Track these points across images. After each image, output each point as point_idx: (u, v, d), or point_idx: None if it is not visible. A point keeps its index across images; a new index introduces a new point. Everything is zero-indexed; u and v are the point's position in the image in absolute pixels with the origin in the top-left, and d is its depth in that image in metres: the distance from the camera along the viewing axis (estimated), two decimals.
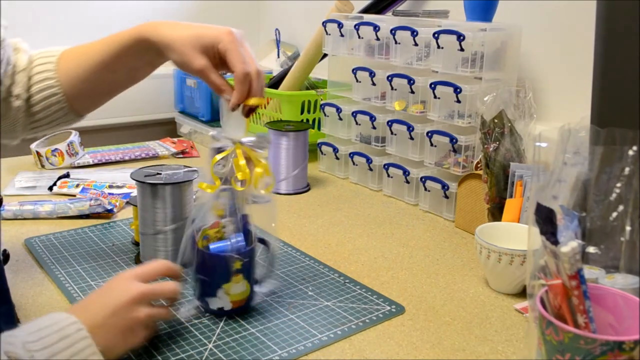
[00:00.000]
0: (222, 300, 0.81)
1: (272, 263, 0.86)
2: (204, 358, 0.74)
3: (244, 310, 0.83)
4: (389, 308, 0.86)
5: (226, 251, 0.80)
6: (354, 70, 1.37)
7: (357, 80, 1.38)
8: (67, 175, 1.35)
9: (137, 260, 0.98)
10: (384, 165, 1.32)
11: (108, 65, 0.87)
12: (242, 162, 0.80)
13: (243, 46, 0.81)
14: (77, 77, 0.88)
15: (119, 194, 1.26)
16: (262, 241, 0.86)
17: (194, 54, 0.80)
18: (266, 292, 0.87)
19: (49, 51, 0.92)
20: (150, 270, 0.75)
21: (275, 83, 1.65)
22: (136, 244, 1.04)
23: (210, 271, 0.81)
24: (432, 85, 1.19)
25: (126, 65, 0.88)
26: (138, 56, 0.86)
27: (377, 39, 1.31)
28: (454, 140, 1.17)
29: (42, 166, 1.46)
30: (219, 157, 0.81)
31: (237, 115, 0.82)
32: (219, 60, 0.82)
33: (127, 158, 1.54)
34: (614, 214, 0.69)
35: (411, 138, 1.26)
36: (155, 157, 1.58)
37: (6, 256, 0.83)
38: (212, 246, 0.81)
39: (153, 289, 0.73)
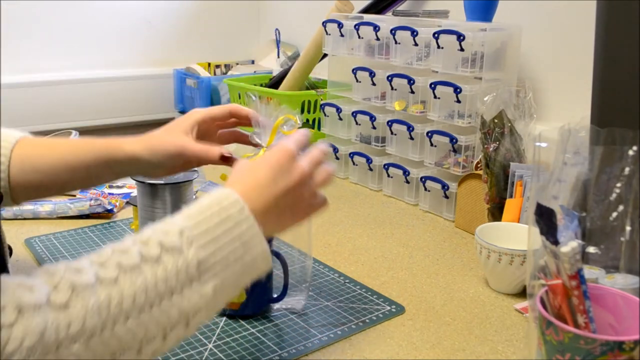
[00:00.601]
0: None
1: (286, 279, 0.84)
2: (204, 358, 0.74)
3: (240, 315, 0.83)
4: (389, 308, 0.86)
5: None
6: (354, 70, 1.37)
7: (357, 80, 1.38)
8: None
9: None
10: (384, 165, 1.32)
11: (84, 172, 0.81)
12: None
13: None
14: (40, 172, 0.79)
15: (119, 194, 1.26)
16: (276, 255, 0.83)
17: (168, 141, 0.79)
18: (285, 307, 0.85)
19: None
20: (303, 141, 0.69)
21: (275, 83, 1.65)
22: None
23: None
24: (432, 85, 1.19)
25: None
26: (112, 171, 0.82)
27: (377, 39, 1.31)
28: (454, 140, 1.17)
29: None
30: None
31: (265, 121, 0.81)
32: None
33: None
34: (614, 214, 0.69)
35: (411, 138, 1.26)
36: None
37: (10, 250, 0.82)
38: None
39: (316, 161, 0.68)
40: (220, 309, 0.60)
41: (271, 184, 0.64)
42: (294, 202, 0.66)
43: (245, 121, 0.83)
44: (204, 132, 0.82)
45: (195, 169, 0.98)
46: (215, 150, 0.78)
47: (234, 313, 0.82)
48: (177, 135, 0.79)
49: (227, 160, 0.79)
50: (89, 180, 0.81)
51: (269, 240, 0.82)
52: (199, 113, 0.82)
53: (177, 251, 0.56)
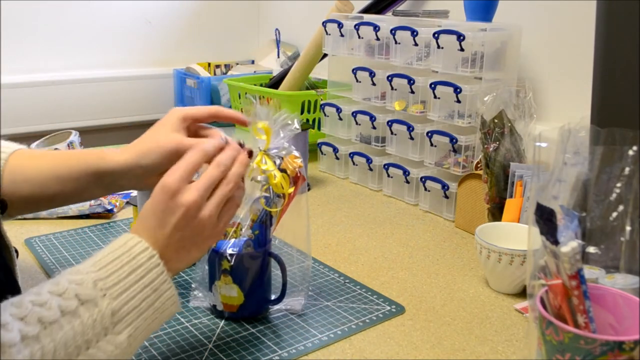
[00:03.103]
0: (215, 297, 0.82)
1: (284, 280, 0.83)
2: (204, 358, 0.74)
3: (239, 317, 0.82)
4: (389, 308, 0.86)
5: (221, 249, 0.80)
6: (354, 70, 1.37)
7: (357, 80, 1.38)
8: None
9: None
10: (384, 165, 1.32)
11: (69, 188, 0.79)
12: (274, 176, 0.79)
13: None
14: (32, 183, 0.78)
15: (119, 194, 1.26)
16: (275, 257, 0.83)
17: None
18: (285, 308, 0.85)
19: None
20: (194, 166, 0.68)
21: (275, 83, 1.65)
22: None
23: (209, 264, 0.82)
24: (432, 85, 1.19)
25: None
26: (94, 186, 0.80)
27: (377, 39, 1.31)
28: (454, 140, 1.17)
29: None
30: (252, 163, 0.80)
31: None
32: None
33: None
34: (614, 214, 0.69)
35: (411, 138, 1.26)
36: None
37: (16, 253, 0.83)
38: (218, 242, 0.81)
39: (206, 185, 0.66)
40: (133, 354, 0.61)
41: (159, 226, 0.64)
42: (191, 234, 0.66)
43: (229, 121, 0.82)
44: (186, 131, 0.79)
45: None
46: (210, 140, 0.75)
47: (233, 316, 0.82)
48: (168, 134, 0.77)
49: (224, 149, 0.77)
50: (79, 192, 0.79)
51: (267, 242, 0.82)
52: (181, 111, 0.79)
53: (93, 303, 0.57)
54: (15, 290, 0.74)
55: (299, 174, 0.82)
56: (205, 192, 0.66)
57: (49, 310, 0.55)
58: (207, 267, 0.83)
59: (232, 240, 0.80)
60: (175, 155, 0.75)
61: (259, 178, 0.79)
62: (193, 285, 0.88)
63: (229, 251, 0.79)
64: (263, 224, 0.82)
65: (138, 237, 0.63)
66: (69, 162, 0.78)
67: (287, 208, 0.84)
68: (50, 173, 0.77)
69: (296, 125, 0.80)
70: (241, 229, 0.81)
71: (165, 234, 0.64)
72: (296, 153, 0.82)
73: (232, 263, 0.79)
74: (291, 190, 0.81)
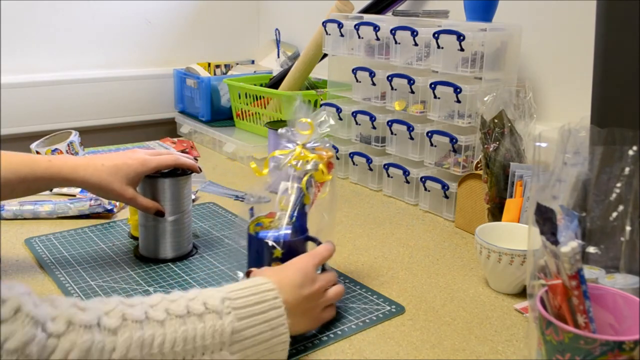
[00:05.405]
0: None
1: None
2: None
3: None
4: (389, 308, 0.86)
5: (266, 238, 0.83)
6: (354, 70, 1.37)
7: (357, 80, 1.38)
8: None
9: (136, 253, 0.99)
10: (384, 165, 1.32)
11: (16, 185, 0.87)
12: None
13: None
14: None
15: None
16: (313, 240, 0.86)
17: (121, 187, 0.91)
18: None
19: None
20: (325, 257, 0.81)
21: (275, 83, 1.65)
22: (133, 237, 1.05)
23: (253, 255, 0.85)
24: (432, 85, 1.19)
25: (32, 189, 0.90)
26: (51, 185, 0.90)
27: (377, 39, 1.31)
28: (454, 140, 1.17)
29: None
30: (278, 153, 0.87)
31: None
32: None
33: None
34: (614, 214, 0.69)
35: (411, 138, 1.26)
36: None
37: None
38: (260, 233, 0.85)
39: (329, 280, 0.80)
40: None
41: (298, 285, 0.72)
42: (311, 308, 0.75)
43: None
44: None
45: (199, 167, 0.99)
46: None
47: None
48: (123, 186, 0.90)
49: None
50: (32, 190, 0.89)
51: (306, 229, 0.86)
52: (148, 166, 0.92)
53: (218, 314, 0.62)
54: None
55: (331, 164, 0.90)
56: (327, 283, 0.79)
57: (177, 305, 0.60)
58: (249, 261, 0.86)
59: (272, 230, 0.84)
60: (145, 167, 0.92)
61: (308, 167, 0.86)
62: None
63: (272, 240, 0.82)
64: (300, 212, 0.85)
65: (266, 279, 0.69)
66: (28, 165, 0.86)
67: (318, 196, 0.89)
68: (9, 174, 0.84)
69: (331, 121, 0.88)
70: (278, 219, 0.85)
71: (301, 293, 0.72)
72: (328, 145, 0.89)
73: (283, 250, 0.81)
74: (330, 177, 0.89)
